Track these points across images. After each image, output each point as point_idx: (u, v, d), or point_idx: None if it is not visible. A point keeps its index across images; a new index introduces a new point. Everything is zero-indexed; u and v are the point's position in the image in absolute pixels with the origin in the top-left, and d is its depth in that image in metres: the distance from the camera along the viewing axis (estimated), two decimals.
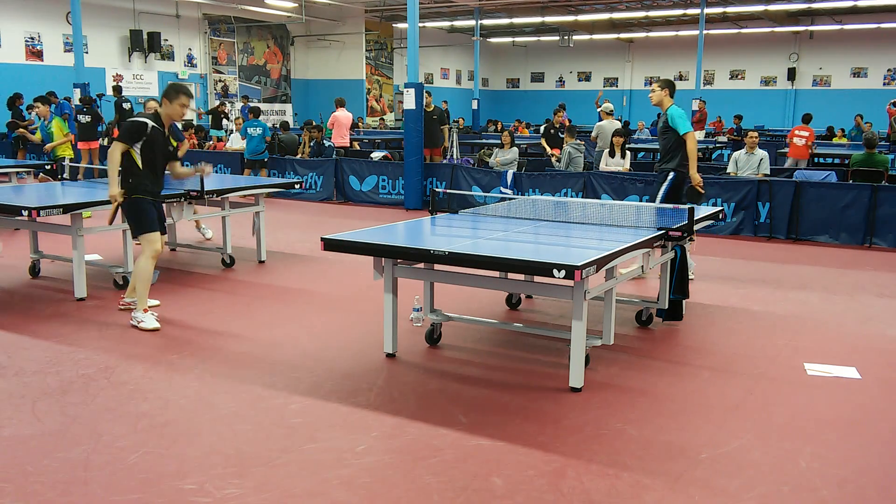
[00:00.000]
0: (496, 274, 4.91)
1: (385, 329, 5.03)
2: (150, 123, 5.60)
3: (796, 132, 13.20)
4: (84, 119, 14.34)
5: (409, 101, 11.74)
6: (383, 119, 26.94)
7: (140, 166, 5.62)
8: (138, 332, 5.50)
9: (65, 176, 9.01)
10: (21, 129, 14.38)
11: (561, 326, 5.69)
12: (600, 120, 12.59)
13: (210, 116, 19.50)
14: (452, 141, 14.60)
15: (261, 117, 13.80)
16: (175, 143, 5.95)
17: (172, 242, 8.45)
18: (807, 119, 14.14)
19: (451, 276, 4.89)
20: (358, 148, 16.68)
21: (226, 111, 20.18)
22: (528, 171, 11.68)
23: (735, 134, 18.98)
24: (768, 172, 10.66)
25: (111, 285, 6.81)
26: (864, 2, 21.93)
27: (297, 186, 8.67)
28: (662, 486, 3.39)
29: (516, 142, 12.83)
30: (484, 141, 17.50)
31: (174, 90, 5.71)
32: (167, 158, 5.86)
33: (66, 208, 6.09)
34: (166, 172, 5.95)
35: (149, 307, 5.75)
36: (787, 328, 5.91)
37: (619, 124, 13.01)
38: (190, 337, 5.43)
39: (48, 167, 10.69)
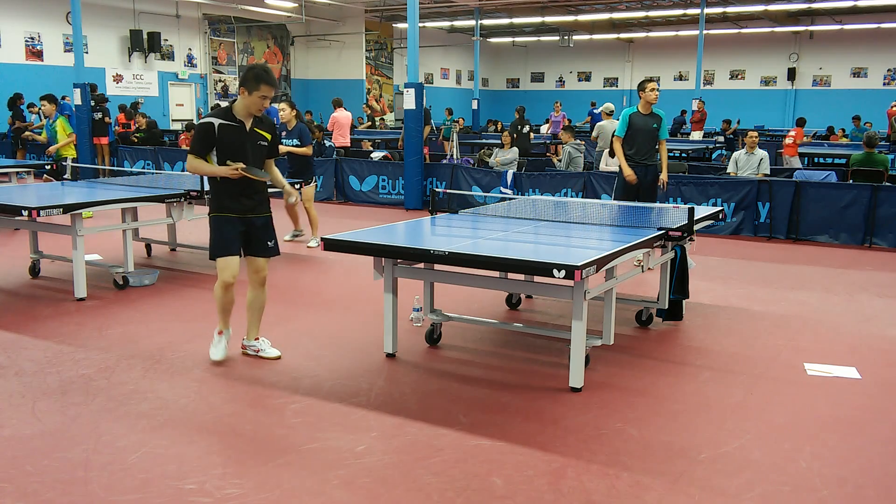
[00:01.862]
0: (496, 274, 4.91)
1: (385, 329, 5.03)
2: (218, 122, 4.65)
3: (790, 133, 14.36)
4: (97, 115, 14.84)
5: (409, 101, 11.75)
6: (383, 119, 26.94)
7: (217, 177, 4.75)
8: (138, 332, 5.50)
9: (66, 176, 9.00)
10: (28, 133, 14.45)
11: (561, 326, 5.69)
12: (601, 120, 12.63)
13: None
14: (452, 141, 14.59)
15: None
16: (269, 137, 4.85)
17: (172, 242, 8.45)
18: (800, 122, 15.30)
19: (451, 276, 4.89)
20: (371, 147, 16.70)
21: None
22: (528, 171, 11.68)
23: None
24: (768, 172, 10.67)
25: (111, 285, 6.81)
26: (864, 2, 21.94)
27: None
28: (662, 486, 3.39)
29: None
30: (484, 141, 17.50)
31: (254, 78, 4.60)
32: (257, 158, 4.77)
33: (66, 208, 6.09)
34: (264, 176, 4.79)
35: (222, 331, 4.98)
36: (787, 328, 5.91)
37: (617, 123, 13.00)
38: (190, 337, 5.43)
39: (48, 167, 10.69)
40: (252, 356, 5.00)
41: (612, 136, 7.94)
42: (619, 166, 7.78)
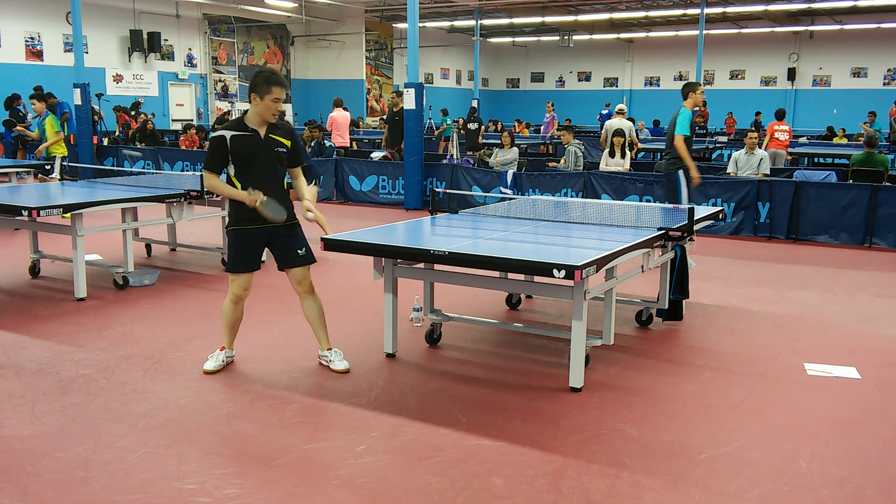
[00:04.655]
0: (496, 274, 4.91)
1: (385, 329, 5.03)
2: (230, 134, 4.45)
3: (776, 127, 13.61)
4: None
5: (409, 101, 11.74)
6: (383, 119, 26.94)
7: (238, 189, 4.53)
8: (138, 332, 5.50)
9: (53, 175, 8.99)
10: (19, 127, 14.40)
11: (561, 326, 5.69)
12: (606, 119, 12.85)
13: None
14: (452, 140, 14.60)
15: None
16: (288, 144, 4.60)
17: (172, 242, 8.45)
18: (780, 115, 14.15)
19: (451, 276, 4.89)
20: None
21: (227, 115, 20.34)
22: (528, 171, 11.68)
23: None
24: (768, 172, 10.67)
25: (111, 285, 6.81)
26: (864, 2, 21.94)
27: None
28: (662, 486, 3.39)
29: (516, 142, 12.85)
30: (484, 141, 17.49)
31: (264, 82, 4.37)
32: (276, 167, 4.58)
33: (66, 208, 6.09)
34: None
35: (225, 347, 4.84)
36: (787, 328, 5.91)
37: (629, 123, 13.30)
38: (190, 337, 5.43)
39: (48, 167, 10.69)
40: (324, 366, 4.85)
41: (676, 135, 7.54)
42: (684, 168, 7.72)
